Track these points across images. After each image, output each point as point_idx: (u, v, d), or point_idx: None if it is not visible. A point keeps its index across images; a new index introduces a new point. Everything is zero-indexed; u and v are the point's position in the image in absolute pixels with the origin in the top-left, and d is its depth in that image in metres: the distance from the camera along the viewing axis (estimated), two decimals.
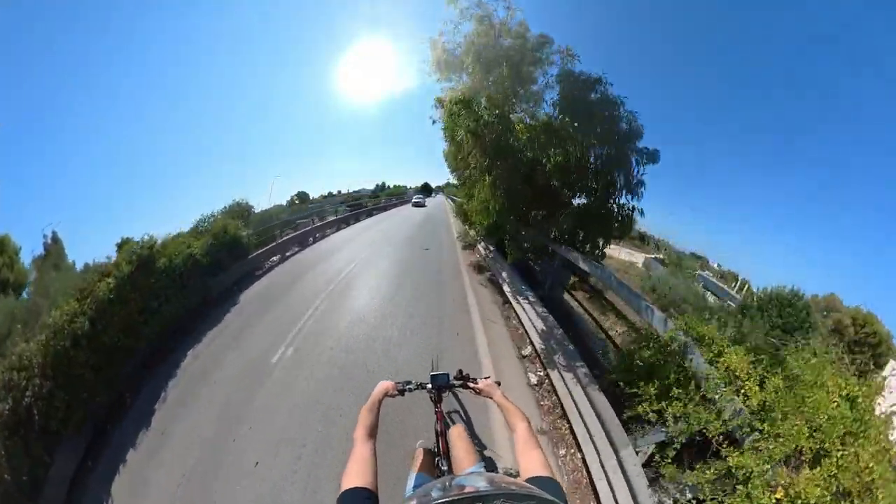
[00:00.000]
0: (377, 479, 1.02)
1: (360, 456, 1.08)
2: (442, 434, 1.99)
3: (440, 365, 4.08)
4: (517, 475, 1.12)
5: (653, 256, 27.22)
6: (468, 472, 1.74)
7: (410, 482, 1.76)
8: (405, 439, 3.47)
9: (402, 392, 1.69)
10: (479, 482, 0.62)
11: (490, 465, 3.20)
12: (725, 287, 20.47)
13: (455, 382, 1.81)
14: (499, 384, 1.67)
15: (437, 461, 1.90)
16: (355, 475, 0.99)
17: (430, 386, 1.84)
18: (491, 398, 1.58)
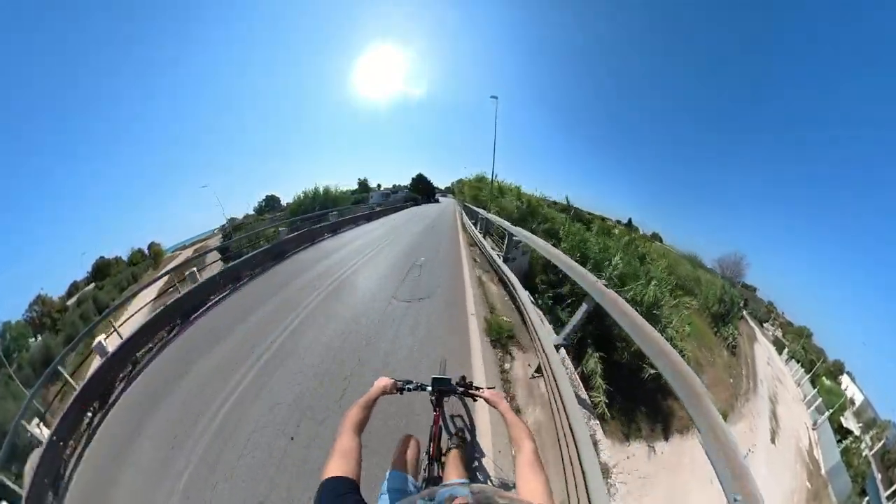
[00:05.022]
0: (360, 471, 0.98)
1: (345, 447, 1.04)
2: (436, 439, 1.93)
3: (446, 370, 3.91)
4: (514, 487, 1.06)
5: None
6: (455, 483, 1.65)
7: (387, 479, 1.62)
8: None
9: (400, 391, 1.61)
10: (468, 494, 0.62)
11: (485, 479, 2.93)
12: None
13: (457, 388, 1.73)
14: (506, 398, 1.58)
15: (421, 461, 1.82)
16: (339, 465, 0.96)
17: (430, 388, 1.73)
18: (496, 408, 1.47)
